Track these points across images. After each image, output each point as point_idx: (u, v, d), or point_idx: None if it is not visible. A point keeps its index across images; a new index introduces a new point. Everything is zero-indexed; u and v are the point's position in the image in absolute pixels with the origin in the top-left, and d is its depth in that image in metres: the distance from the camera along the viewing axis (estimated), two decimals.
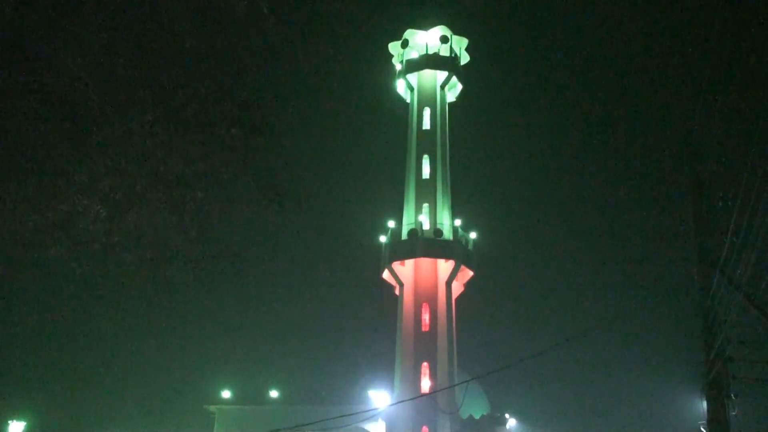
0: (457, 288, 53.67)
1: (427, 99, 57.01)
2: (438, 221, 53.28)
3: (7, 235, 12.12)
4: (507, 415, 53.31)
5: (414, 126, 56.77)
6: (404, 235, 53.13)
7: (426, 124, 56.53)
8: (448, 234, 52.99)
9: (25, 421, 19.14)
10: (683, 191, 17.23)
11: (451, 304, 52.19)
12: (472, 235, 53.90)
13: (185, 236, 12.81)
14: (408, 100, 58.21)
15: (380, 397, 47.81)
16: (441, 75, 57.04)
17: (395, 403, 45.68)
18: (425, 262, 52.45)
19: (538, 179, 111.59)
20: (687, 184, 17.02)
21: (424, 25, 56.96)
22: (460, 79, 57.48)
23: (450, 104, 58.36)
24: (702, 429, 16.30)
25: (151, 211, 12.46)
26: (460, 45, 57.92)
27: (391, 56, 59.28)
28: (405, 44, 57.63)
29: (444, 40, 56.86)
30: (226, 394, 51.61)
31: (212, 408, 51.85)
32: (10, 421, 18.83)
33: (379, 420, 48.13)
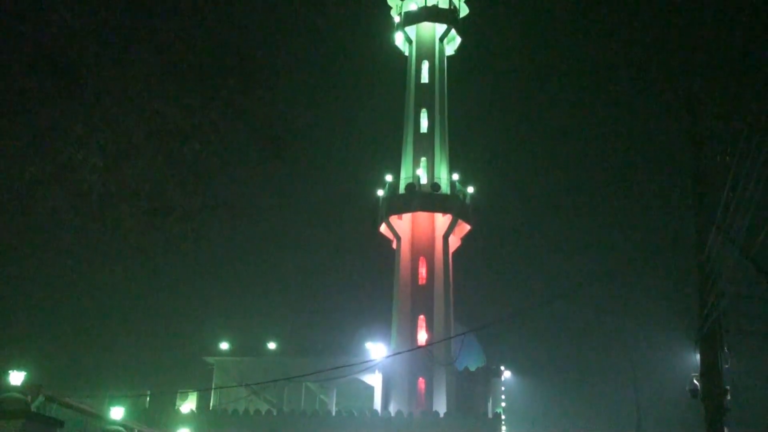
0: (454, 242, 53.87)
1: (425, 52, 56.52)
2: (436, 175, 53.27)
3: (4, 186, 12.10)
4: (502, 367, 53.89)
5: (412, 79, 56.37)
6: (401, 189, 53.16)
7: (424, 78, 56.13)
8: (445, 188, 53.01)
9: (25, 371, 19.30)
10: (682, 146, 17.20)
11: (447, 258, 52.44)
12: (470, 189, 53.91)
13: (182, 188, 12.79)
14: (406, 53, 57.70)
15: (377, 349, 48.26)
16: (440, 28, 56.48)
17: (392, 355, 46.14)
18: (422, 216, 52.57)
19: (536, 133, 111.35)
20: (685, 139, 16.99)
21: None
22: (458, 32, 56.93)
23: (448, 57, 57.88)
24: (695, 381, 16.47)
25: (147, 162, 12.42)
26: None
27: (390, 8, 58.63)
28: None
29: None
30: (224, 345, 52.00)
31: (211, 360, 52.26)
32: (10, 371, 18.99)
33: (376, 372, 48.64)
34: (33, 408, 20.59)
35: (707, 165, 16.54)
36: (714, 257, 15.65)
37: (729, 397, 16.08)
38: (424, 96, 55.67)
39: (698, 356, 16.32)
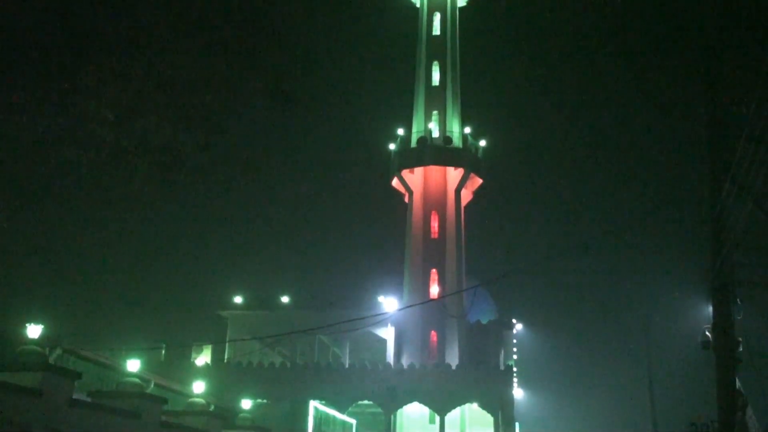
0: (466, 195, 53.82)
1: (437, 3, 55.85)
2: (447, 129, 53.02)
3: (16, 139, 12.10)
4: (514, 320, 54.19)
5: (424, 31, 55.77)
6: (413, 143, 52.99)
7: (436, 30, 55.55)
8: (457, 141, 52.81)
9: (42, 324, 19.54)
10: (697, 95, 17.00)
11: (459, 212, 52.44)
12: (482, 142, 53.68)
13: (194, 141, 12.76)
14: (417, 5, 57.01)
15: (390, 303, 48.56)
16: None
17: (404, 308, 46.43)
18: (434, 169, 52.46)
19: (549, 86, 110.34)
20: (701, 88, 16.77)
21: None
22: None
23: (460, 9, 57.16)
24: (707, 333, 16.50)
25: (158, 115, 12.37)
26: None
27: None
28: None
29: None
30: (237, 299, 52.39)
31: (224, 313, 52.69)
32: (28, 325, 19.24)
33: (389, 325, 49.00)
34: (51, 360, 20.89)
35: (722, 114, 16.35)
36: (728, 208, 15.57)
37: (741, 349, 16.13)
38: (436, 48, 55.12)
39: (710, 308, 16.33)
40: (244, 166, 13.60)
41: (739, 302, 16.09)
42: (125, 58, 11.81)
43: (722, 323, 15.89)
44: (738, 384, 16.07)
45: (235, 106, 13.19)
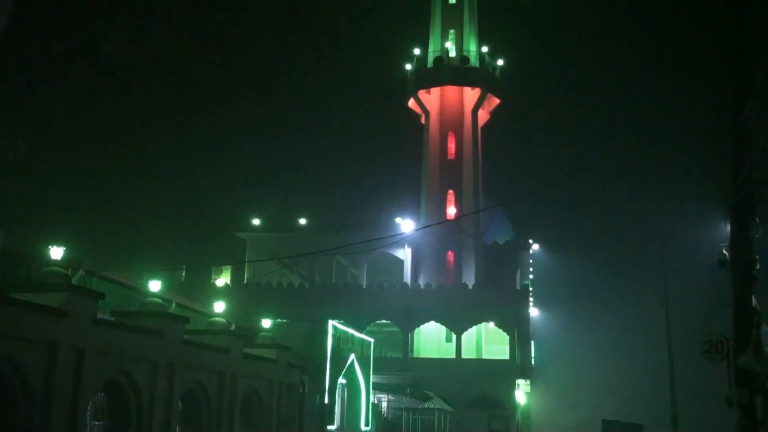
0: (483, 116, 53.39)
1: None
2: (464, 48, 52.29)
3: (33, 63, 12.07)
4: (530, 240, 54.35)
5: None
6: (430, 63, 52.34)
7: None
8: (474, 61, 52.10)
9: (64, 246, 19.77)
10: (721, 10, 16.59)
11: (476, 132, 52.13)
12: (500, 61, 52.93)
13: (209, 61, 12.68)
14: None
15: (407, 224, 48.78)
16: None
17: (421, 229, 46.67)
18: (451, 90, 51.96)
19: (570, 1, 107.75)
20: (725, 2, 16.36)
21: None
22: None
23: None
24: (724, 251, 16.48)
25: (173, 35, 12.27)
26: None
27: None
28: None
29: None
30: (256, 222, 52.78)
31: (243, 235, 53.18)
32: (50, 247, 19.49)
33: (406, 246, 49.32)
34: (74, 282, 21.23)
35: (747, 30, 15.98)
36: (749, 125, 15.36)
37: (758, 267, 16.12)
38: None
39: (728, 226, 16.26)
40: (260, 87, 13.51)
41: (757, 220, 16.01)
42: None
43: (740, 241, 15.86)
44: (754, 302, 16.13)
45: (249, 26, 13.02)
